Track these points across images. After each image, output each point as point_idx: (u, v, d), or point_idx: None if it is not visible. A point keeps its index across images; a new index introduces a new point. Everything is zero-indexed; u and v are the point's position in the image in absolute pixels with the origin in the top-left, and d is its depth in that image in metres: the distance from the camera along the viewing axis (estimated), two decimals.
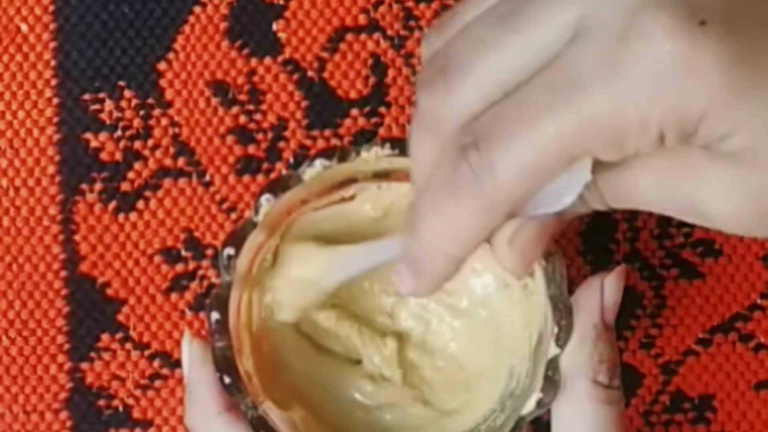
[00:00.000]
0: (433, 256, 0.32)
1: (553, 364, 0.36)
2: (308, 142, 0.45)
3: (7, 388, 0.44)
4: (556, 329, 0.36)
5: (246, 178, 0.45)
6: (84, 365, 0.45)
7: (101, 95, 0.45)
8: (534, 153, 0.28)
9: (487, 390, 0.39)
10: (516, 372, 0.38)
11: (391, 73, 0.45)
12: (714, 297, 0.45)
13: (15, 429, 0.44)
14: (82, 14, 0.45)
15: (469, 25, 0.31)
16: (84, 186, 0.45)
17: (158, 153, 0.45)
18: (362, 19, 0.46)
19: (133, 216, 0.45)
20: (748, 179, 0.29)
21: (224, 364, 0.36)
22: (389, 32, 0.46)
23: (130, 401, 0.44)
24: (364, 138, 0.45)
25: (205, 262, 0.45)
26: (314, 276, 0.38)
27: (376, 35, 0.45)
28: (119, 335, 0.45)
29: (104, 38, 0.45)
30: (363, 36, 0.45)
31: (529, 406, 0.36)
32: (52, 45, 0.45)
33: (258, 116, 0.45)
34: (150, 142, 0.45)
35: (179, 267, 0.45)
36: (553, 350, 0.36)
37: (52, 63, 0.45)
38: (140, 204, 0.45)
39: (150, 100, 0.45)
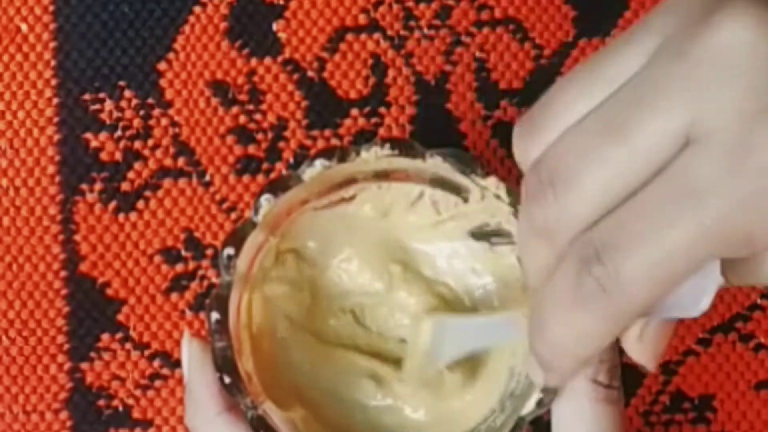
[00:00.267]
0: (563, 357, 0.32)
1: None
2: (308, 142, 0.45)
3: (7, 388, 0.44)
4: None
5: (246, 178, 0.45)
6: (84, 365, 0.45)
7: (101, 95, 0.45)
8: (661, 263, 0.28)
9: (487, 390, 0.39)
10: (516, 372, 0.38)
11: (391, 73, 0.45)
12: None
13: (15, 429, 0.44)
14: (82, 14, 0.45)
15: (573, 131, 0.30)
16: (84, 186, 0.45)
17: (158, 153, 0.45)
18: (362, 19, 0.46)
19: (133, 216, 0.45)
20: None
21: (224, 364, 0.36)
22: (389, 32, 0.46)
23: (130, 401, 0.44)
24: (364, 138, 0.45)
25: (205, 262, 0.45)
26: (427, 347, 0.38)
27: (376, 35, 0.45)
28: (119, 335, 0.45)
29: (104, 38, 0.45)
30: (363, 36, 0.45)
31: (529, 407, 0.36)
32: (52, 45, 0.45)
33: (258, 116, 0.45)
34: (150, 142, 0.45)
35: (179, 267, 0.45)
36: None
37: (52, 63, 0.45)
38: (140, 204, 0.45)
39: (150, 100, 0.45)
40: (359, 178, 0.39)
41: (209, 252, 0.45)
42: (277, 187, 0.37)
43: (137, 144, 0.45)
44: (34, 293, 0.45)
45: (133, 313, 0.45)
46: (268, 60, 0.45)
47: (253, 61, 0.45)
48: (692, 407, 0.45)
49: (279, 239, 0.39)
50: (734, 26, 0.28)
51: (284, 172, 0.45)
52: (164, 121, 0.45)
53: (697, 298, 0.31)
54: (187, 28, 0.45)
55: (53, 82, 0.45)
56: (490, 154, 0.45)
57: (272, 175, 0.45)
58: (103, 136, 0.45)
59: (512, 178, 0.45)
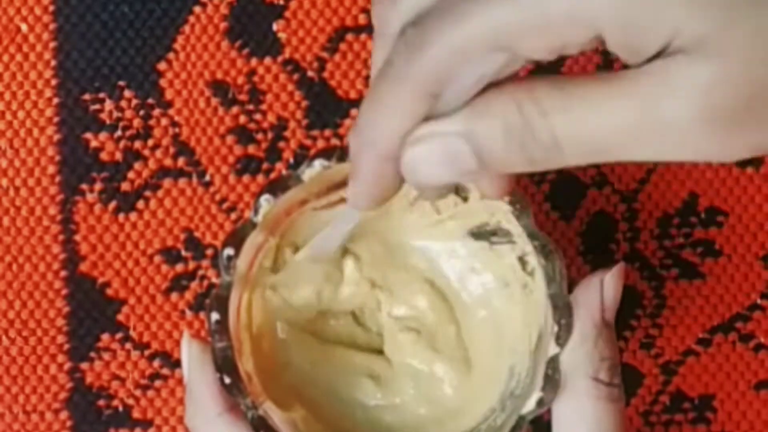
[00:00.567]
0: (367, 152, 0.31)
1: (553, 363, 0.36)
2: (308, 142, 0.45)
3: (7, 388, 0.44)
4: (556, 328, 0.36)
5: (246, 178, 0.45)
6: (84, 365, 0.45)
7: (101, 95, 0.45)
8: (464, 35, 0.29)
9: (488, 389, 0.39)
10: (516, 371, 0.38)
11: None
12: (714, 297, 0.45)
13: (15, 429, 0.44)
14: (82, 14, 0.45)
15: None
16: (84, 186, 0.45)
17: (158, 153, 0.45)
18: (362, 19, 0.46)
19: (133, 216, 0.45)
20: (697, 73, 0.27)
21: (224, 364, 0.36)
22: None
23: (130, 401, 0.44)
24: None
25: (205, 262, 0.45)
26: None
27: None
28: (119, 335, 0.45)
29: (104, 38, 0.45)
30: (363, 36, 0.45)
31: (529, 405, 0.36)
32: (52, 45, 0.45)
33: (258, 116, 0.45)
34: (150, 142, 0.45)
35: (179, 267, 0.45)
36: (553, 349, 0.36)
37: (52, 63, 0.45)
38: (140, 204, 0.45)
39: (150, 100, 0.45)
40: None
41: (209, 252, 0.45)
42: (277, 187, 0.37)
43: (137, 144, 0.45)
44: (34, 293, 0.45)
45: (133, 313, 0.45)
46: (268, 60, 0.45)
47: (253, 61, 0.45)
48: (692, 407, 0.45)
49: (279, 239, 0.39)
50: None
51: (284, 172, 0.45)
52: (164, 121, 0.45)
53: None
54: (187, 28, 0.45)
55: (53, 82, 0.45)
56: None
57: (272, 175, 0.45)
58: (103, 136, 0.45)
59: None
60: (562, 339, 0.36)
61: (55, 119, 0.45)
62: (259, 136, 0.45)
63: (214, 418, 0.37)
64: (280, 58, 0.45)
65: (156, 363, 0.45)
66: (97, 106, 0.45)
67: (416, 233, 0.40)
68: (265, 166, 0.45)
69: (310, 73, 0.45)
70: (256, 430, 0.36)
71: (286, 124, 0.45)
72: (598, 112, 0.28)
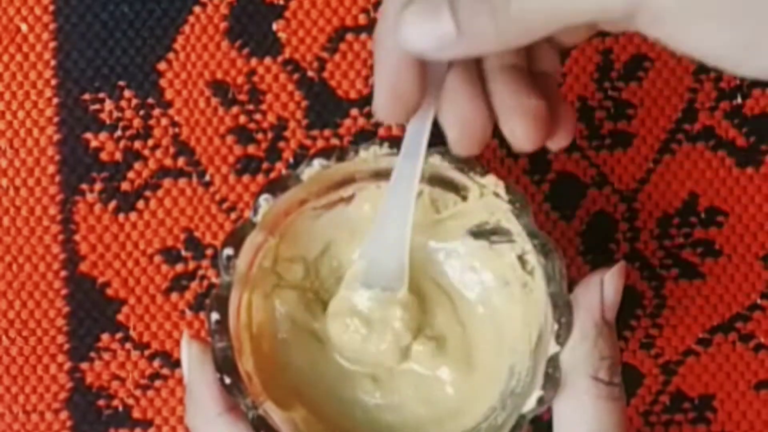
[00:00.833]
0: (379, 47, 0.33)
1: (553, 362, 0.36)
2: (308, 142, 0.45)
3: (7, 388, 0.44)
4: (556, 327, 0.36)
5: (246, 178, 0.45)
6: (84, 365, 0.45)
7: (101, 95, 0.45)
8: None
9: (488, 388, 0.39)
10: (516, 370, 0.38)
11: None
12: (714, 297, 0.45)
13: (15, 429, 0.44)
14: (82, 14, 0.46)
15: None
16: (84, 186, 0.45)
17: (158, 153, 0.45)
18: (362, 19, 0.46)
19: (133, 216, 0.45)
20: None
21: (224, 364, 0.36)
22: None
23: (130, 401, 0.44)
24: (364, 138, 0.45)
25: (205, 262, 0.45)
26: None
27: None
28: (119, 335, 0.45)
29: (104, 38, 0.45)
30: (363, 36, 0.45)
31: (529, 404, 0.36)
32: (52, 45, 0.45)
33: (258, 116, 0.45)
34: (150, 142, 0.45)
35: (179, 267, 0.45)
36: (553, 348, 0.36)
37: (52, 63, 0.45)
38: (140, 204, 0.45)
39: (150, 100, 0.45)
40: (358, 178, 0.39)
41: (209, 252, 0.45)
42: (276, 187, 0.37)
43: (137, 144, 0.45)
44: (34, 293, 0.45)
45: (133, 313, 0.45)
46: (268, 60, 0.45)
47: (253, 61, 0.45)
48: (692, 407, 0.45)
49: (278, 239, 0.39)
50: None
51: (284, 171, 0.45)
52: (164, 121, 0.45)
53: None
54: (187, 28, 0.46)
55: (53, 82, 0.45)
56: (488, 152, 0.45)
57: (272, 175, 0.45)
58: (103, 136, 0.45)
59: (511, 176, 0.45)
60: (562, 338, 0.36)
61: (55, 119, 0.45)
62: (259, 136, 0.45)
63: (214, 418, 0.37)
64: (280, 58, 0.45)
65: (156, 363, 0.45)
66: (97, 106, 0.45)
67: (416, 233, 0.40)
68: (265, 166, 0.45)
69: (310, 73, 0.45)
70: (257, 430, 0.36)
71: (286, 124, 0.45)
72: None
